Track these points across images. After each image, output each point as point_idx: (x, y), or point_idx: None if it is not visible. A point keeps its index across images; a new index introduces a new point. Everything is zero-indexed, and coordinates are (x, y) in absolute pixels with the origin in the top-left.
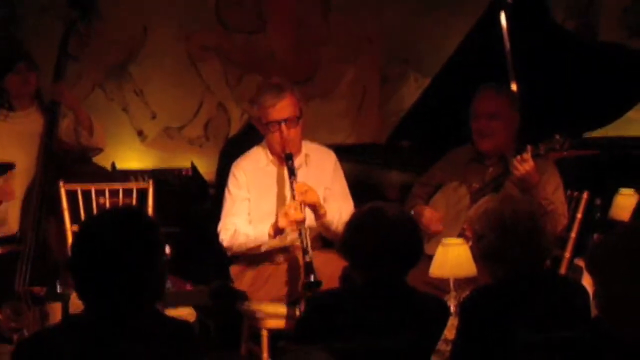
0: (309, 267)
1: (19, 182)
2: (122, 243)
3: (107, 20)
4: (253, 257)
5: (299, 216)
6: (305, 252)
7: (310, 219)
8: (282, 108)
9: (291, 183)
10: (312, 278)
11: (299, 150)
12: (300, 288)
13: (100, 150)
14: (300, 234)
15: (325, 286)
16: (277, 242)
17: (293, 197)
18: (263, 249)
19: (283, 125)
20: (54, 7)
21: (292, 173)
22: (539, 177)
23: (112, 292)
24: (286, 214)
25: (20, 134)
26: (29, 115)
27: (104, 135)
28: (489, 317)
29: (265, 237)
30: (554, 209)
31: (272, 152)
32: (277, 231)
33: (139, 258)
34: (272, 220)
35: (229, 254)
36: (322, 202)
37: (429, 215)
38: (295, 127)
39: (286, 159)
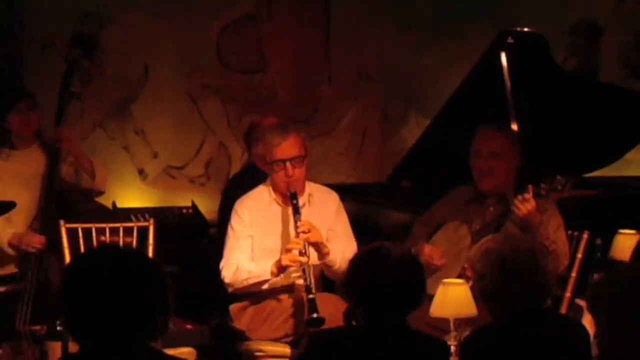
0: (312, 304)
1: (20, 221)
2: (108, 279)
3: (109, 57)
4: (253, 295)
5: (302, 254)
6: (308, 289)
7: (313, 257)
8: (288, 147)
9: (295, 221)
10: (315, 315)
11: (302, 189)
12: (303, 325)
13: (101, 193)
14: (303, 272)
15: (326, 327)
16: (279, 280)
17: (297, 235)
18: (265, 287)
19: (288, 164)
20: (55, 45)
21: (296, 211)
22: (540, 218)
23: (102, 329)
24: (290, 252)
25: (21, 172)
26: (31, 154)
27: (106, 177)
28: (490, 356)
29: (268, 275)
30: (556, 248)
31: (276, 191)
32: (280, 269)
33: (122, 294)
34: (275, 258)
35: (230, 290)
36: (325, 241)
37: (429, 251)
38: (300, 167)
39: (291, 198)
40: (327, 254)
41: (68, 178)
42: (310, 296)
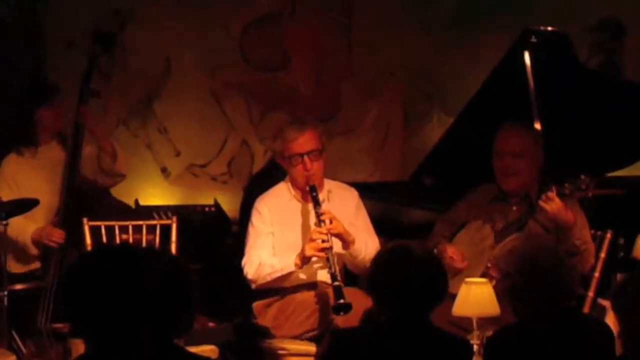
0: (338, 291)
1: (42, 217)
2: (113, 279)
3: (131, 54)
4: (277, 292)
5: (325, 243)
6: (333, 277)
7: (337, 246)
8: (305, 141)
9: (316, 213)
10: (342, 301)
11: (321, 185)
12: (327, 319)
13: (122, 176)
14: (327, 260)
15: (349, 321)
16: (302, 273)
17: (319, 225)
18: (288, 284)
19: (306, 157)
20: (78, 44)
21: (316, 203)
22: (574, 218)
23: (108, 327)
24: (313, 241)
25: (42, 169)
26: (51, 150)
27: (127, 162)
28: (513, 356)
29: (292, 268)
30: (587, 248)
31: (295, 187)
32: (304, 260)
33: (131, 294)
34: (297, 253)
35: (253, 287)
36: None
37: (452, 253)
38: (318, 160)
39: (310, 191)
40: (353, 242)
41: (89, 163)
42: (336, 283)
